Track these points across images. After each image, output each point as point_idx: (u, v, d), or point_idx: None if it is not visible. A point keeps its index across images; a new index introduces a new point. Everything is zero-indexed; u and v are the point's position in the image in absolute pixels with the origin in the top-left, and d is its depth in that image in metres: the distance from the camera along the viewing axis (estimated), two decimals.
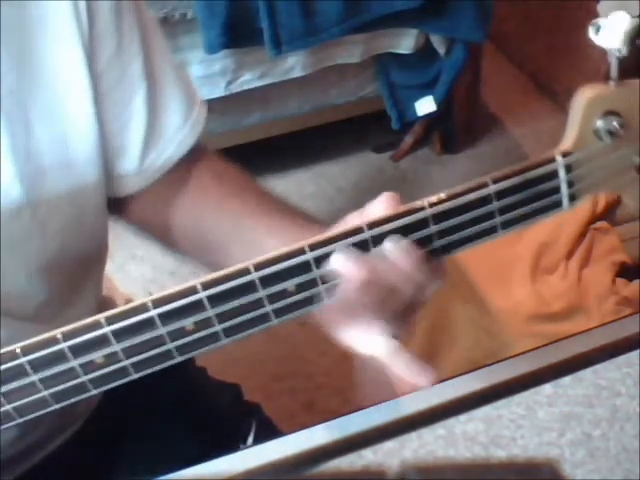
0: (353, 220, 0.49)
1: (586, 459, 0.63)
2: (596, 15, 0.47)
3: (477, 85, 2.18)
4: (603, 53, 0.46)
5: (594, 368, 0.70)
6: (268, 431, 0.85)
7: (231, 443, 0.79)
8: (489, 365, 0.70)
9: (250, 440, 0.82)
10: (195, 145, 0.66)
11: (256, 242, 0.61)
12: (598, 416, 0.66)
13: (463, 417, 0.66)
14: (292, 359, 1.72)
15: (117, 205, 0.67)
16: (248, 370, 1.65)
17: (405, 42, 1.96)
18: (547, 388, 0.68)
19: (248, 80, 1.89)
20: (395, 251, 0.46)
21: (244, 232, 0.63)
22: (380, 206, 0.48)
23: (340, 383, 1.66)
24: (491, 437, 0.65)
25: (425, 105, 2.06)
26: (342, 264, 0.46)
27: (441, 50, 1.98)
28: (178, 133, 0.65)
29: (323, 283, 0.46)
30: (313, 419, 0.66)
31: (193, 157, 0.67)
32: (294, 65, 1.88)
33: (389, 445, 0.65)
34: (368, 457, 0.64)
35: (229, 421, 0.86)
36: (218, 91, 1.87)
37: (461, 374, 0.69)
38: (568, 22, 2.24)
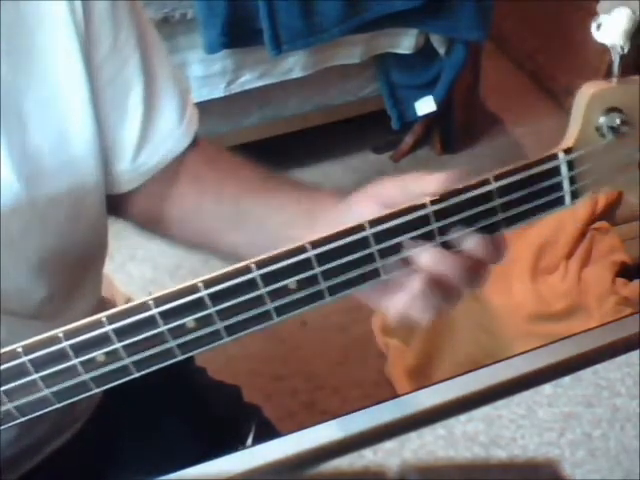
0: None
1: (586, 459, 0.63)
2: (596, 14, 0.47)
3: (477, 85, 2.18)
4: (602, 52, 0.46)
5: (594, 368, 0.70)
6: (267, 433, 0.84)
7: (230, 444, 0.79)
8: (489, 365, 0.70)
9: (249, 442, 0.82)
10: (190, 142, 0.66)
11: (257, 221, 0.62)
12: (598, 416, 0.66)
13: (463, 417, 0.66)
14: (292, 359, 1.72)
15: (113, 203, 0.67)
16: (248, 370, 1.64)
17: (405, 42, 1.96)
18: (547, 388, 0.68)
19: (248, 80, 1.89)
20: (477, 247, 0.47)
21: (243, 214, 0.63)
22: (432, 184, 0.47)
23: (340, 383, 1.66)
24: (491, 437, 0.65)
25: (425, 105, 2.06)
26: (432, 261, 0.46)
27: (441, 50, 1.98)
28: (173, 132, 0.65)
29: (326, 280, 0.46)
30: (313, 419, 0.66)
31: (188, 151, 0.67)
32: (294, 65, 1.88)
33: (389, 445, 0.64)
34: (368, 457, 0.64)
35: (228, 422, 0.85)
36: (218, 91, 1.87)
37: (461, 374, 0.69)
38: (568, 21, 2.24)
